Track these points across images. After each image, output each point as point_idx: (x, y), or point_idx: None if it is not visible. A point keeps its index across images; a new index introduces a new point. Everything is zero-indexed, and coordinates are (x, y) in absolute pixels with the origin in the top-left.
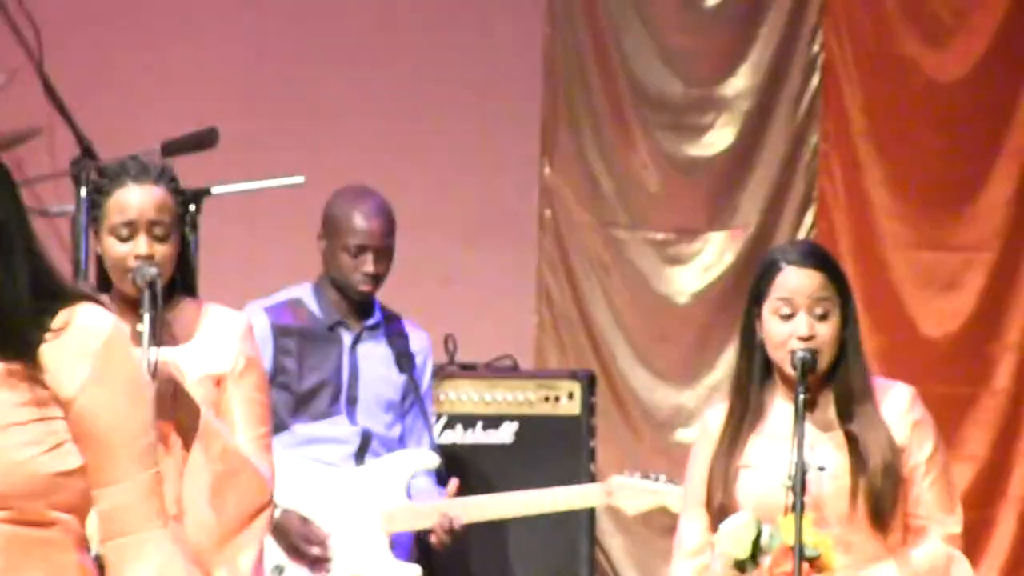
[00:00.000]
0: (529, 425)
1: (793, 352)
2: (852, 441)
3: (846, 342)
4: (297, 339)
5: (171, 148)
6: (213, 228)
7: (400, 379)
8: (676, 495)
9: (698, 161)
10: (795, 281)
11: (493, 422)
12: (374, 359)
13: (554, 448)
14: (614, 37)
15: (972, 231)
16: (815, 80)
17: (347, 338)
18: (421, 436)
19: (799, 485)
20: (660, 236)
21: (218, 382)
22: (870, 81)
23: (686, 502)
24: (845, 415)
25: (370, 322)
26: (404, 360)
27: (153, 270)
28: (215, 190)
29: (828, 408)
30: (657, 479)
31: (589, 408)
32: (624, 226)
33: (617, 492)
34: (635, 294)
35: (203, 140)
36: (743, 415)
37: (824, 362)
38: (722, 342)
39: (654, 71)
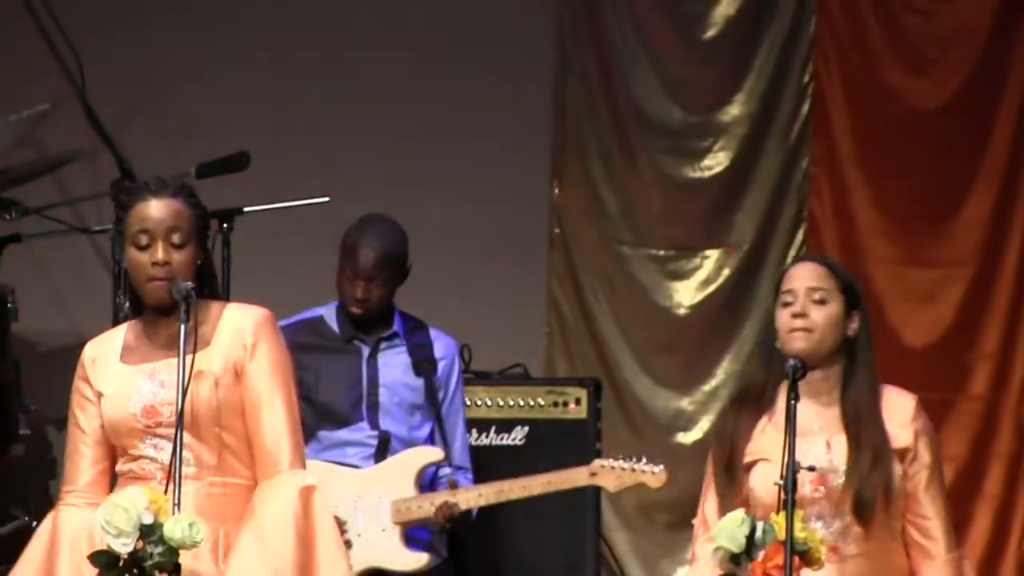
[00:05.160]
0: (539, 428)
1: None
2: (853, 437)
3: (853, 343)
4: (314, 354)
5: (204, 171)
6: (244, 246)
7: (419, 383)
8: (652, 473)
9: (697, 182)
10: (794, 272)
11: (506, 426)
12: (393, 367)
13: (562, 449)
14: (619, 68)
15: (951, 248)
16: (806, 107)
17: (365, 350)
18: (440, 435)
19: (790, 484)
20: (661, 252)
21: (237, 372)
22: (857, 108)
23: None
24: (850, 413)
25: (386, 333)
26: (423, 365)
27: (188, 284)
28: (247, 209)
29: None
30: (638, 460)
31: (595, 413)
32: (628, 243)
33: (600, 473)
34: (638, 307)
35: (234, 163)
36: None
37: (814, 344)
38: (719, 351)
39: (656, 99)
